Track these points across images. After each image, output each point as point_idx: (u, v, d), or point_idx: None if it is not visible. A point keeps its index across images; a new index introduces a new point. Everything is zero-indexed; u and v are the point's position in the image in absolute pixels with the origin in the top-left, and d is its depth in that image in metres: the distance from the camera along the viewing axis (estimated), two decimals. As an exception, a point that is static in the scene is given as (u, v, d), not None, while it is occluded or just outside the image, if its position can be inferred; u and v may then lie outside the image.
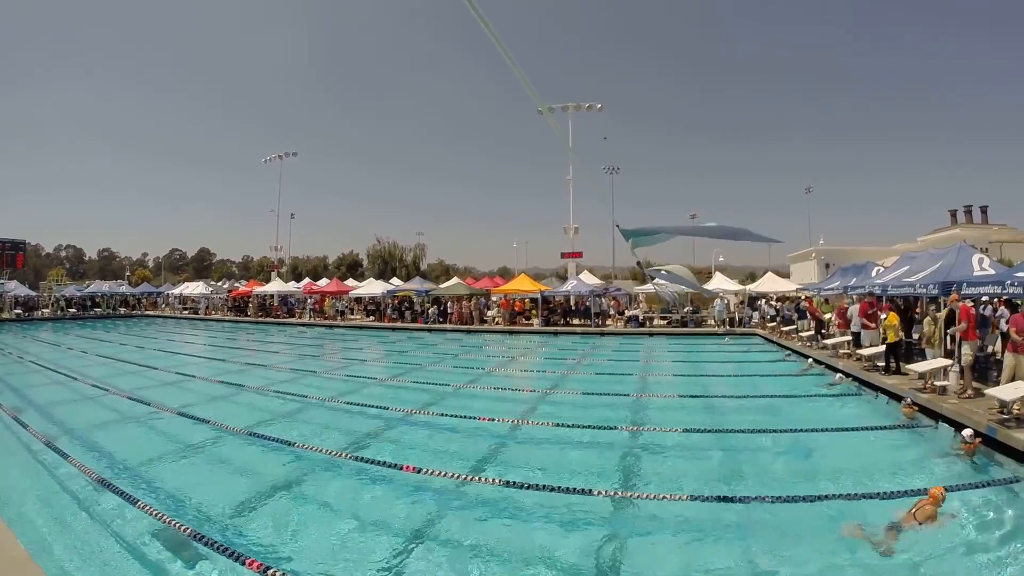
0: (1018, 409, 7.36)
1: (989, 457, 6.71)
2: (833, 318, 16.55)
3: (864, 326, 12.98)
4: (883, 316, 11.73)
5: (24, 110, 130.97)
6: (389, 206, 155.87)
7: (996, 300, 11.74)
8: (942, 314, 10.42)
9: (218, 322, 36.30)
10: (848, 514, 5.00)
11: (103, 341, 23.51)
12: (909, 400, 8.83)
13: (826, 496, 5.42)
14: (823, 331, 17.17)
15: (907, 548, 4.42)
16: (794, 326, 19.41)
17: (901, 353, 11.46)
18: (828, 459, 6.74)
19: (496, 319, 28.85)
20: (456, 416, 8.84)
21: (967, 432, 6.78)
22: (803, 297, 22.01)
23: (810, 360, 13.82)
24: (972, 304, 10.43)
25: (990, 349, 11.06)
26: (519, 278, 32.33)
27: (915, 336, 13.39)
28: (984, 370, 9.95)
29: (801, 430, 7.91)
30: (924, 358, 10.66)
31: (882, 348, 11.57)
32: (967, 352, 8.91)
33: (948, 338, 10.09)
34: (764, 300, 25.50)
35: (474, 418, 8.73)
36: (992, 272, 10.20)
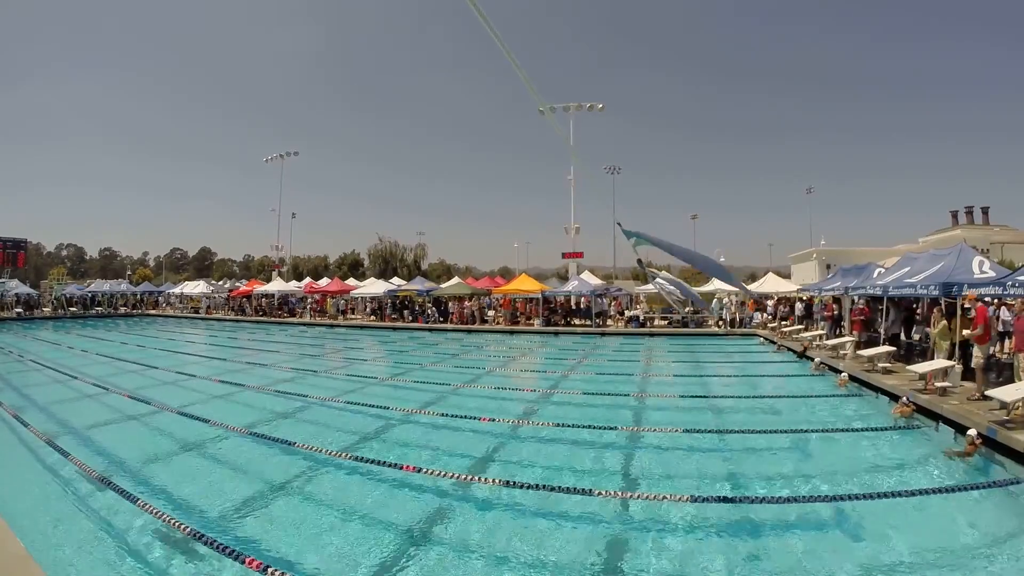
0: (1019, 410, 7.35)
1: (989, 458, 6.71)
2: (848, 318, 16.47)
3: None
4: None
5: (26, 107, 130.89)
6: (390, 205, 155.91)
7: (995, 300, 11.75)
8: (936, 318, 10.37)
9: (219, 321, 36.34)
10: (848, 514, 5.01)
11: (104, 340, 23.53)
12: (905, 400, 8.82)
13: (825, 497, 5.43)
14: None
15: (905, 548, 4.42)
16: (802, 326, 19.36)
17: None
18: (828, 459, 6.74)
19: (497, 319, 28.85)
20: (457, 416, 8.85)
21: (972, 432, 6.78)
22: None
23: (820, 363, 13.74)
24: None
25: (992, 350, 11.05)
26: (520, 278, 32.33)
27: (915, 336, 13.39)
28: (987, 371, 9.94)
29: (802, 431, 7.92)
30: (925, 358, 10.66)
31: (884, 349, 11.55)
32: (977, 355, 8.84)
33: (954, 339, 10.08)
34: (767, 299, 25.62)
35: (475, 418, 8.73)
36: (992, 274, 10.20)
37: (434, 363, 16.56)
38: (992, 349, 11.09)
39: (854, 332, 15.06)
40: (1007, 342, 11.95)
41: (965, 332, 9.49)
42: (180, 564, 4.18)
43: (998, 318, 12.01)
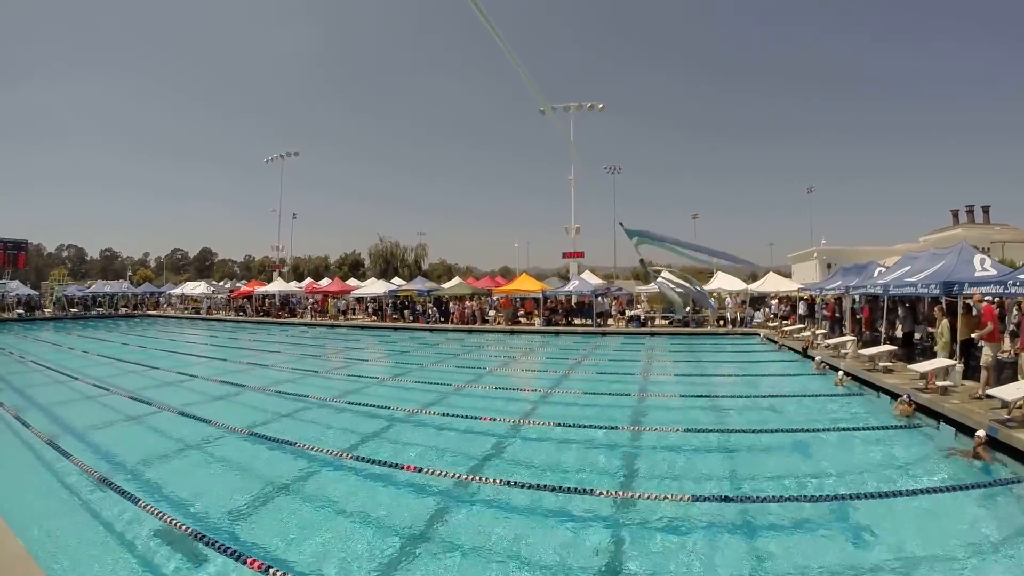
0: (1021, 409, 7.34)
1: (990, 457, 6.70)
2: (849, 317, 16.46)
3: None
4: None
5: (26, 107, 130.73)
6: (390, 205, 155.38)
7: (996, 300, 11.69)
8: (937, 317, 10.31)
9: (220, 322, 36.37)
10: (848, 513, 5.01)
11: (105, 341, 23.54)
12: (905, 398, 8.80)
13: (826, 496, 5.42)
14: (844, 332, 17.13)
15: (906, 548, 4.41)
16: (802, 325, 19.36)
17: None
18: (829, 458, 6.74)
19: (498, 319, 28.86)
20: (458, 416, 8.84)
21: (981, 433, 6.78)
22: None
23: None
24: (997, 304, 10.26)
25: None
26: (521, 278, 32.34)
27: (917, 336, 13.37)
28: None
29: (803, 430, 7.92)
30: (926, 357, 10.63)
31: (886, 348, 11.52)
32: (987, 354, 8.81)
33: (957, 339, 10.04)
34: (769, 298, 25.65)
35: (476, 418, 8.73)
36: (993, 272, 10.19)
37: (435, 363, 16.56)
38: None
39: (857, 331, 15.05)
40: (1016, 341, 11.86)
41: (974, 334, 9.44)
42: (181, 564, 4.18)
43: (1002, 317, 11.91)
